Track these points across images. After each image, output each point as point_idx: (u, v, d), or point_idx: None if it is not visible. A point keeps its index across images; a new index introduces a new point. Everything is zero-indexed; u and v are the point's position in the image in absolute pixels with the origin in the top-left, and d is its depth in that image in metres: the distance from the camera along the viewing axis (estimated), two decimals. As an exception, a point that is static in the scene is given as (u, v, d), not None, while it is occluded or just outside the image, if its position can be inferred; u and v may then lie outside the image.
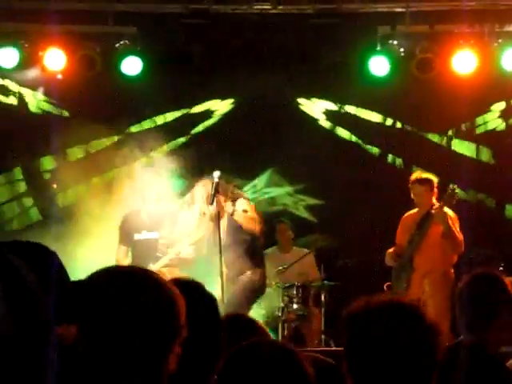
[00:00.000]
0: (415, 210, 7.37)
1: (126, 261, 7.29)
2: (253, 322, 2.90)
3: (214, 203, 6.85)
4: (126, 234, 7.36)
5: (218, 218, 6.82)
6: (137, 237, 7.29)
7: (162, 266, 7.01)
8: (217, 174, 6.84)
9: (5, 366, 1.70)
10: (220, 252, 6.78)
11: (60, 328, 1.82)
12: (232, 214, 6.90)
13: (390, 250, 7.41)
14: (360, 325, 2.10)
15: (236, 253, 7.01)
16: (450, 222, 7.04)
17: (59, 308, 1.78)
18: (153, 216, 7.29)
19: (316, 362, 2.47)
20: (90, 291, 1.89)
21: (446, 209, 7.09)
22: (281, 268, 8.00)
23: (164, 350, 1.86)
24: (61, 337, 1.82)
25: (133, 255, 7.38)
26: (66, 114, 8.91)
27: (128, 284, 1.89)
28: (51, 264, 1.81)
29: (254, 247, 7.11)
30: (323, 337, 7.95)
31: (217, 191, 6.83)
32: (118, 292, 1.87)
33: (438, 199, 7.21)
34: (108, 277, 1.95)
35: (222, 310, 2.59)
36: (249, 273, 7.07)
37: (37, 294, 1.72)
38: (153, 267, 6.98)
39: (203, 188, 7.00)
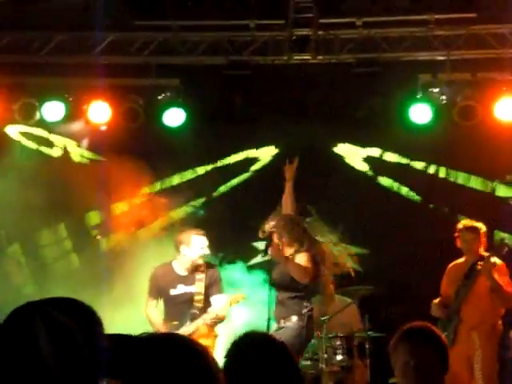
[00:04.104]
0: (462, 260, 7.27)
1: (158, 316, 7.24)
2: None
3: (268, 253, 7.00)
4: (156, 288, 7.24)
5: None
6: (173, 292, 7.16)
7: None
8: (269, 225, 7.01)
9: None
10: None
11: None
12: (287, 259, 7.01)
13: (436, 300, 7.30)
14: None
15: (286, 294, 7.07)
16: (496, 275, 6.93)
17: (103, 362, 1.86)
18: (187, 269, 7.21)
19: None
20: (140, 350, 1.93)
21: (494, 258, 6.99)
22: (323, 318, 7.91)
23: None
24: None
25: (167, 311, 7.23)
26: (109, 165, 9.00)
27: (173, 351, 1.96)
28: (94, 321, 1.90)
29: (306, 293, 7.13)
30: (369, 389, 7.82)
31: (271, 241, 6.99)
32: (164, 357, 1.93)
33: (487, 249, 7.12)
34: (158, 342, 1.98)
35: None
36: (295, 319, 7.04)
37: (84, 349, 1.81)
38: (191, 326, 6.99)
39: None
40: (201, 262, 7.18)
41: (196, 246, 7.12)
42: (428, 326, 3.28)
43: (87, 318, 1.87)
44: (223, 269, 7.67)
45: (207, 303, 7.14)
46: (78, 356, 1.80)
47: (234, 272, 8.07)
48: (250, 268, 8.41)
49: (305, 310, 7.08)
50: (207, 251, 7.16)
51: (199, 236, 7.14)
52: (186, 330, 6.98)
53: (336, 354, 7.82)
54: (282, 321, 7.04)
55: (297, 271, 6.95)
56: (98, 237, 9.11)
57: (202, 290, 7.13)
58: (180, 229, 7.51)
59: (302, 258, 7.05)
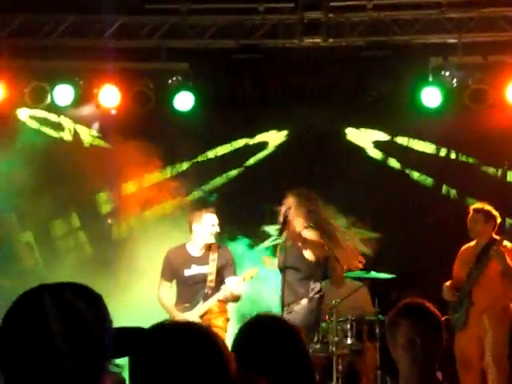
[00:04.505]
0: (473, 243, 7.27)
1: (170, 298, 7.28)
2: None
3: (284, 234, 6.98)
4: (170, 270, 7.29)
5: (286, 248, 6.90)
6: (187, 273, 7.21)
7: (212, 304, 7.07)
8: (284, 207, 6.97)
9: None
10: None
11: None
12: (304, 242, 6.99)
13: (447, 283, 7.31)
14: None
15: (295, 275, 7.07)
16: (508, 259, 6.93)
17: (111, 344, 1.87)
18: (200, 249, 7.27)
19: None
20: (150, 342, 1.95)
21: (505, 242, 6.99)
22: (334, 302, 7.92)
23: None
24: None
25: (180, 293, 7.28)
26: (119, 149, 9.02)
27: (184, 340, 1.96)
28: (101, 305, 1.91)
29: (313, 274, 7.14)
30: (379, 372, 7.83)
31: (285, 223, 6.93)
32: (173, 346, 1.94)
33: (498, 232, 7.11)
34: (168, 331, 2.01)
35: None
36: (305, 301, 7.06)
37: (93, 329, 1.83)
38: (204, 306, 7.03)
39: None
40: (213, 240, 7.23)
41: (207, 223, 7.20)
42: (424, 302, 3.28)
43: (95, 300, 1.89)
44: (226, 245, 7.69)
45: (219, 284, 7.18)
46: (88, 335, 1.81)
47: (236, 248, 8.09)
48: (252, 245, 8.45)
49: (312, 293, 7.10)
50: (217, 229, 7.23)
51: (210, 214, 7.25)
52: (199, 309, 7.07)
53: (346, 337, 7.83)
54: (292, 305, 7.05)
55: (315, 247, 6.97)
56: (109, 220, 9.14)
57: (214, 271, 7.19)
58: (192, 210, 7.57)
59: (309, 234, 7.07)
